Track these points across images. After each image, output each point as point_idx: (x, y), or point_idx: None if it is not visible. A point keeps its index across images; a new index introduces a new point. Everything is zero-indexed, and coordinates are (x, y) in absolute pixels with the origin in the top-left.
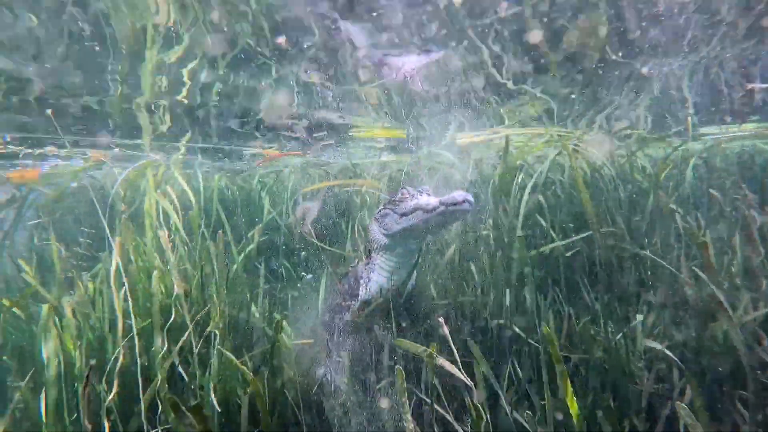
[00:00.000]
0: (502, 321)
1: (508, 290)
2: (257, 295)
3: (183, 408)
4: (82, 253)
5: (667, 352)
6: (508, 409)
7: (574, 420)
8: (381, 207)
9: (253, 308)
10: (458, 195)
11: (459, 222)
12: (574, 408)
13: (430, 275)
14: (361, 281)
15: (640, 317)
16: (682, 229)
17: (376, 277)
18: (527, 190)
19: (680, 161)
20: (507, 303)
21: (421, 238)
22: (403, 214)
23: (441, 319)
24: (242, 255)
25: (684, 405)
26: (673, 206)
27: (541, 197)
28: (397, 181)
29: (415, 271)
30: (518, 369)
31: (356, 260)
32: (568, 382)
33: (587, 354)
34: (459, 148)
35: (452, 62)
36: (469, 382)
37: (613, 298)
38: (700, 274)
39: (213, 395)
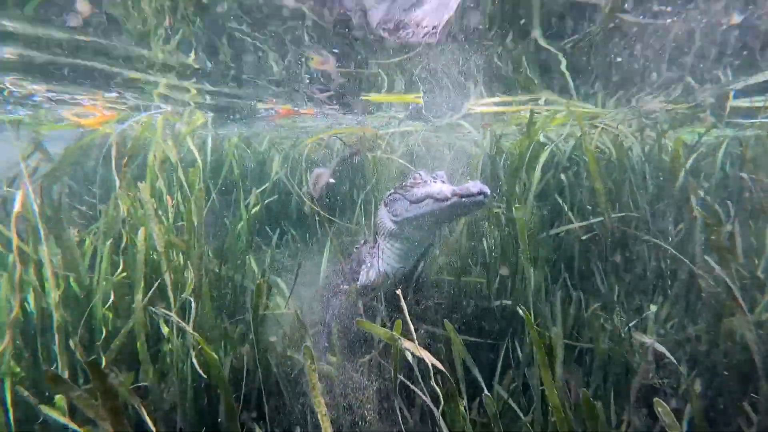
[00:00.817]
0: (506, 302)
1: (513, 271)
2: (257, 258)
3: (99, 368)
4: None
5: (658, 346)
6: (494, 392)
7: (554, 411)
8: (392, 191)
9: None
10: (473, 186)
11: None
12: (554, 401)
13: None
14: (363, 266)
15: (653, 308)
16: (699, 216)
17: (380, 263)
18: (537, 168)
19: (714, 147)
20: (510, 284)
21: (431, 228)
22: (413, 202)
23: (399, 292)
24: (241, 220)
25: (663, 403)
26: (701, 192)
27: (563, 176)
28: (414, 153)
29: (423, 262)
30: (519, 351)
31: (362, 240)
32: (548, 371)
33: (592, 342)
34: (480, 122)
35: (474, 17)
36: (438, 365)
37: (627, 286)
38: (714, 265)
39: (192, 355)
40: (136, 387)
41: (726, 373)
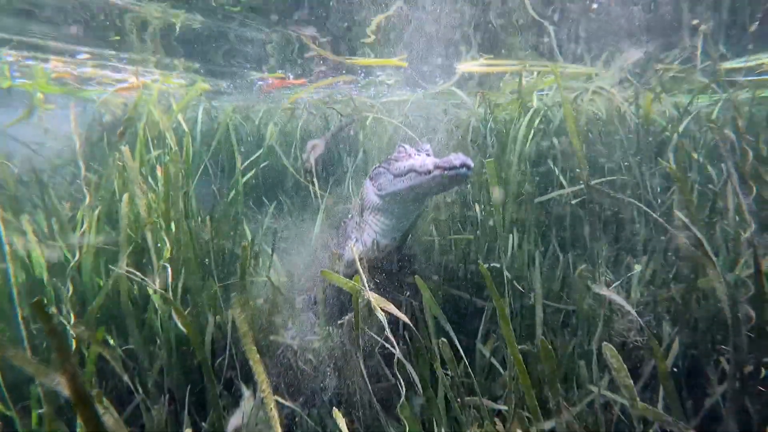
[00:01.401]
0: (494, 264)
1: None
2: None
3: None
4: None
5: (615, 297)
6: (476, 350)
7: (515, 363)
8: (377, 165)
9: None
10: (455, 158)
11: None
12: (513, 351)
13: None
14: (349, 240)
15: (638, 267)
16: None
17: (365, 237)
18: (521, 131)
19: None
20: (498, 248)
21: (417, 202)
22: (397, 175)
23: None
24: (233, 188)
25: (611, 346)
26: (694, 155)
27: (556, 141)
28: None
29: (410, 234)
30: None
31: (350, 214)
32: (508, 324)
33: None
34: (474, 90)
35: None
36: (404, 318)
37: (615, 248)
38: (683, 218)
39: (177, 319)
40: (126, 349)
41: (700, 326)
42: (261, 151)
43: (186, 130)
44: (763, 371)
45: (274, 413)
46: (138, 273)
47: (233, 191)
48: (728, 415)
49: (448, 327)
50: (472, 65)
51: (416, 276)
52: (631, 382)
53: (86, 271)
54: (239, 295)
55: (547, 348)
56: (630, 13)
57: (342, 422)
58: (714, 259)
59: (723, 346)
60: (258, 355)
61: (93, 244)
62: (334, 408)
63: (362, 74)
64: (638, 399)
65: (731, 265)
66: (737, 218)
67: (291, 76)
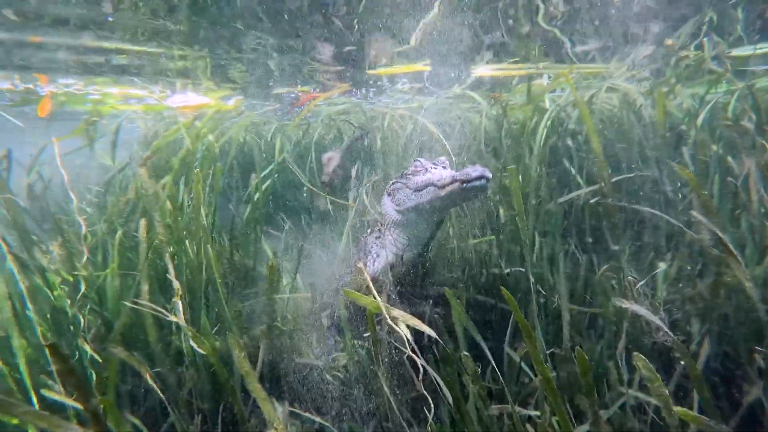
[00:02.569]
0: (514, 269)
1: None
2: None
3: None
4: None
5: (639, 309)
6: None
7: (537, 366)
8: (394, 180)
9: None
10: (473, 170)
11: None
12: (545, 373)
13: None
14: (369, 256)
15: (662, 266)
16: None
17: (385, 253)
18: (540, 134)
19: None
20: (520, 251)
21: (435, 215)
22: (415, 190)
23: None
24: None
25: (642, 357)
26: (713, 147)
27: (570, 141)
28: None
29: (431, 246)
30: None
31: (368, 229)
32: (529, 329)
33: (602, 307)
34: (489, 93)
35: None
36: (430, 332)
37: (637, 247)
38: (701, 218)
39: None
40: (156, 372)
41: (731, 323)
42: (272, 166)
43: (217, 151)
44: None
45: None
46: (158, 301)
47: (249, 208)
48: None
49: (479, 338)
50: (487, 69)
51: (446, 289)
52: (666, 391)
53: (110, 297)
54: (234, 334)
55: (584, 361)
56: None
57: None
58: (737, 254)
59: (756, 344)
60: (264, 393)
61: (114, 268)
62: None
63: (371, 84)
64: (672, 406)
65: (759, 258)
66: (762, 210)
67: (312, 90)
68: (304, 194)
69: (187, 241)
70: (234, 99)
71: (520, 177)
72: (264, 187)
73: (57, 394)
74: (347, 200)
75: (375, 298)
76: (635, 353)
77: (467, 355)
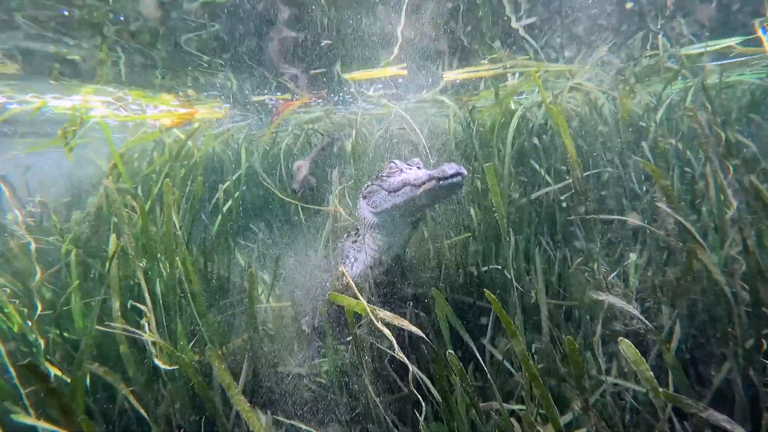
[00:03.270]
0: (490, 267)
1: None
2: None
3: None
4: None
5: (613, 299)
6: (486, 352)
7: (522, 363)
8: (368, 183)
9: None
10: (449, 168)
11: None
12: (532, 371)
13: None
14: (347, 261)
15: (633, 255)
16: (642, 165)
17: (363, 257)
18: (510, 134)
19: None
20: (495, 249)
21: (412, 216)
22: (391, 191)
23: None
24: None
25: (627, 341)
26: (672, 141)
27: (536, 141)
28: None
29: (407, 247)
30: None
31: (345, 234)
32: (511, 323)
33: (577, 300)
34: (457, 97)
35: None
36: (417, 332)
37: (607, 239)
38: (665, 208)
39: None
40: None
41: (698, 307)
42: (238, 173)
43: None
44: (765, 344)
45: None
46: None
47: (219, 219)
48: (736, 390)
49: (466, 336)
50: (456, 73)
51: (434, 289)
52: (651, 374)
53: (75, 316)
54: (213, 347)
55: (574, 348)
56: (598, 6)
57: None
58: (701, 240)
59: (725, 325)
60: (248, 404)
61: (75, 286)
62: None
63: (346, 91)
64: (659, 388)
65: (720, 244)
66: (722, 198)
67: (292, 98)
68: (276, 204)
69: (159, 255)
70: (218, 108)
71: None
72: (235, 196)
73: (28, 418)
74: (320, 207)
75: (359, 300)
76: (621, 338)
77: (452, 353)
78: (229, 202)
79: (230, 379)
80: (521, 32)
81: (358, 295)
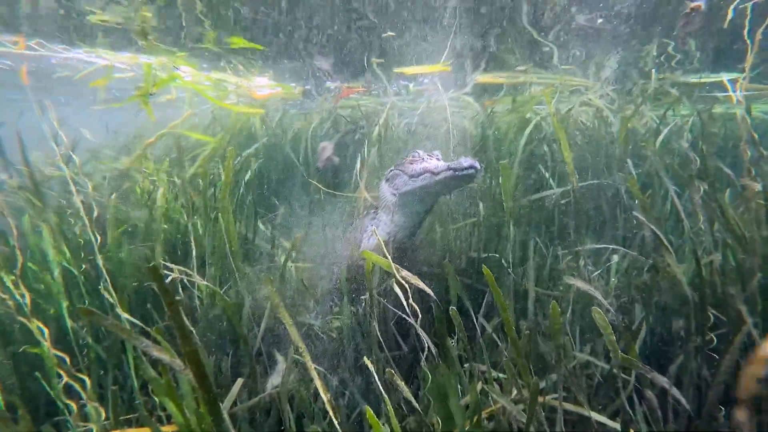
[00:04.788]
0: (490, 255)
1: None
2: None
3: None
4: None
5: (581, 283)
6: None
7: (507, 329)
8: (392, 168)
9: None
10: (465, 161)
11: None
12: (515, 344)
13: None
14: (365, 234)
15: (615, 258)
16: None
17: (380, 232)
18: (523, 140)
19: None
20: (497, 240)
21: (427, 200)
22: (412, 176)
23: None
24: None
25: (598, 309)
26: (658, 158)
27: (546, 147)
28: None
29: (419, 229)
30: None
31: (364, 210)
32: (507, 312)
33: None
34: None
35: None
36: (430, 292)
37: (597, 242)
38: (641, 217)
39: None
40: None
41: (667, 306)
42: (257, 145)
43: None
44: (713, 337)
45: (311, 365)
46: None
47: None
48: (686, 377)
49: (468, 304)
50: (485, 77)
51: (446, 263)
52: (614, 338)
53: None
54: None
55: (556, 309)
56: (613, 26)
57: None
58: (668, 245)
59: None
60: (291, 319)
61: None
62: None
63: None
64: (620, 352)
65: (694, 257)
66: (701, 216)
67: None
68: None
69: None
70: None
71: (500, 178)
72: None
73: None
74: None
75: (387, 258)
76: (594, 308)
77: (455, 309)
78: (248, 173)
79: (278, 300)
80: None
81: (387, 254)
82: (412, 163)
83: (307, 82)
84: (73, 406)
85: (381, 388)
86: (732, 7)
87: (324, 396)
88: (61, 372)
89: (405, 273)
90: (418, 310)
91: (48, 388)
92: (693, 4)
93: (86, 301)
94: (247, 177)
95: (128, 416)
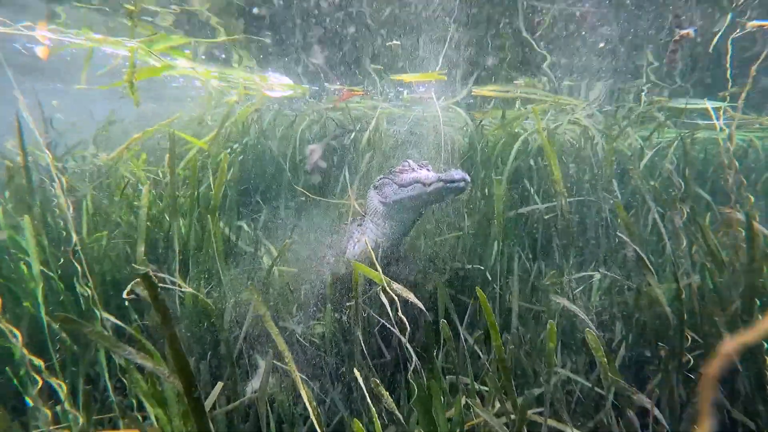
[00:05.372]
0: (472, 266)
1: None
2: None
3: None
4: None
5: (567, 303)
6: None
7: (494, 342)
8: (381, 176)
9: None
10: (456, 173)
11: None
12: (494, 333)
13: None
14: (350, 240)
15: (597, 276)
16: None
17: (366, 239)
18: (511, 154)
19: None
20: (481, 252)
21: (415, 211)
22: (402, 185)
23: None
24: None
25: (592, 331)
26: (642, 180)
27: (532, 162)
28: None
29: (406, 237)
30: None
31: (350, 217)
32: (490, 311)
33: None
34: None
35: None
36: (418, 303)
37: (580, 258)
38: (625, 238)
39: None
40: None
41: (647, 325)
42: (245, 140)
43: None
44: (690, 358)
45: (296, 374)
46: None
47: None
48: (663, 394)
49: (454, 315)
50: (486, 89)
51: (437, 277)
52: (606, 360)
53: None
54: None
55: (553, 328)
56: (600, 51)
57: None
58: (650, 266)
59: (663, 342)
60: (277, 329)
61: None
62: (354, 368)
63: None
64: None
65: (674, 278)
66: (683, 239)
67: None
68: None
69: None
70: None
71: (487, 190)
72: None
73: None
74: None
75: (375, 266)
76: (587, 329)
77: (445, 321)
78: (231, 171)
79: (265, 309)
80: (543, 67)
81: (377, 265)
82: (402, 173)
83: (314, 84)
84: (48, 412)
85: (368, 398)
86: (716, 37)
87: (309, 405)
88: (37, 377)
89: (396, 285)
90: (406, 322)
91: (20, 388)
92: (683, 32)
93: (61, 297)
94: (229, 175)
95: (100, 416)
